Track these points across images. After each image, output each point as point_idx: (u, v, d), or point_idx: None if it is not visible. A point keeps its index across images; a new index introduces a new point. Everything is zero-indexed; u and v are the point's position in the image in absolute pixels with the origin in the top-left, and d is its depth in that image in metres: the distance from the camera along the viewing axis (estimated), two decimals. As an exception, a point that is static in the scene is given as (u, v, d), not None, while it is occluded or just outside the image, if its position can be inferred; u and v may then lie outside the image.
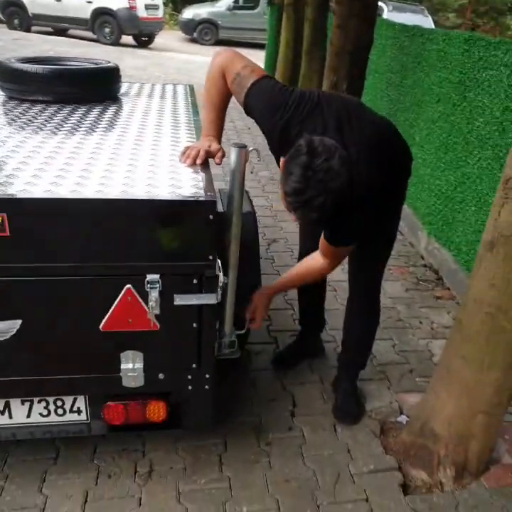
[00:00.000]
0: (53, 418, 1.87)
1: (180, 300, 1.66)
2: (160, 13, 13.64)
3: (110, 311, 1.64)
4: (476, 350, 1.92)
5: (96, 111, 2.50)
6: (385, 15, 13.75)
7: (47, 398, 1.83)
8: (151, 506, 1.90)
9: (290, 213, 1.75)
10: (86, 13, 13.27)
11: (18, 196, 1.50)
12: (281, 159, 1.75)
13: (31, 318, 1.63)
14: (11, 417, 1.84)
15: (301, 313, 2.67)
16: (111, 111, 2.54)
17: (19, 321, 1.63)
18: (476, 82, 3.28)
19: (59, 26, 13.93)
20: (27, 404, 1.83)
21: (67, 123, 2.26)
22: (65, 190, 1.56)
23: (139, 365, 1.74)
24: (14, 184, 1.57)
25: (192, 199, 1.57)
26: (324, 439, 2.23)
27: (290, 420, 2.31)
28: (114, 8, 13.17)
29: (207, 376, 1.82)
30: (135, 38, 14.19)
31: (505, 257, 1.76)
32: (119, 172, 1.74)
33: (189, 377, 1.81)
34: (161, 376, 1.79)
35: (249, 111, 1.93)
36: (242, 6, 14.45)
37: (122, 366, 1.74)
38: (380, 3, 14.68)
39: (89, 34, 13.85)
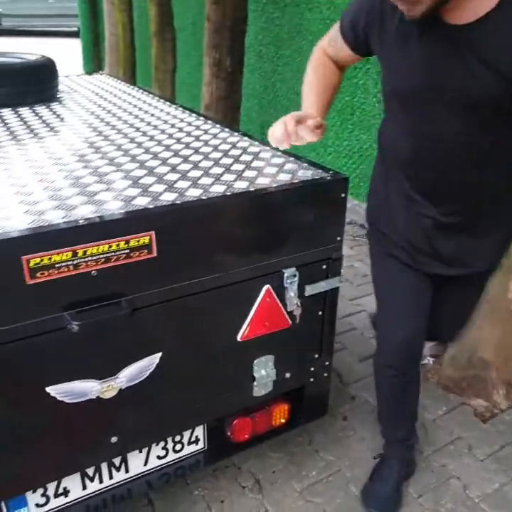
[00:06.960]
0: (171, 457, 1.64)
1: (310, 290, 1.57)
2: None
3: (249, 317, 1.49)
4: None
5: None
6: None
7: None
8: None
9: None
10: None
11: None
12: None
13: (170, 349, 1.40)
14: (127, 470, 1.57)
15: None
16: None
17: (158, 355, 1.39)
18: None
19: None
20: (145, 450, 1.58)
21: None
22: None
23: (271, 370, 1.61)
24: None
25: (329, 178, 1.49)
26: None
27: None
28: None
29: (326, 363, 1.76)
30: None
31: None
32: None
33: (312, 369, 1.73)
34: (287, 375, 1.67)
35: (352, 25, 1.51)
36: (25, -8, 13.12)
37: (256, 375, 1.59)
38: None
39: None
